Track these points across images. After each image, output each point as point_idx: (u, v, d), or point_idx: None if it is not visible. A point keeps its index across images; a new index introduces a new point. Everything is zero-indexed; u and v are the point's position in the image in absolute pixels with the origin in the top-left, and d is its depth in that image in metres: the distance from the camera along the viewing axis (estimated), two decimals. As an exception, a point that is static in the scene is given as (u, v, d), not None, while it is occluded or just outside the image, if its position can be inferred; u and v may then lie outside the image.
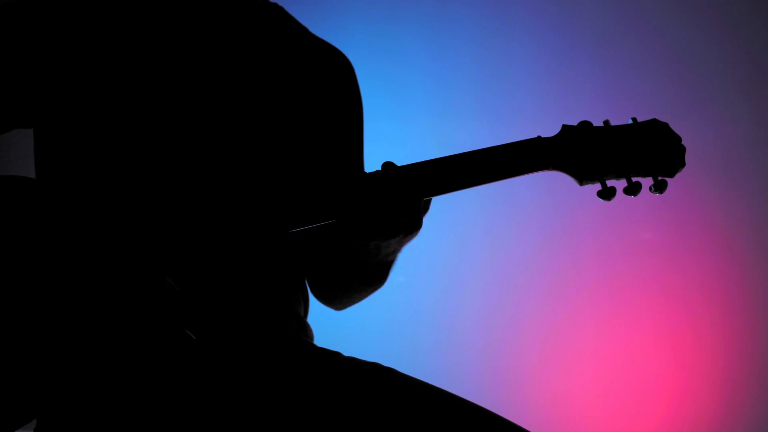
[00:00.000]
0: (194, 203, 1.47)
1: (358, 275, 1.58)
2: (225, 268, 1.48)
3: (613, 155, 1.51)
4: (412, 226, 1.44)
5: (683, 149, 1.53)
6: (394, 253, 1.54)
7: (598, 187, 1.51)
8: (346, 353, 1.57)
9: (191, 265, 1.40)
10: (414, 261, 3.07)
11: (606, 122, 1.53)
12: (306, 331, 1.62)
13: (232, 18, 1.62)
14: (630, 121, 1.54)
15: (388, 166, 1.45)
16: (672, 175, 1.53)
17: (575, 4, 3.20)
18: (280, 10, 1.71)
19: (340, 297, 1.68)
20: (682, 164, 1.53)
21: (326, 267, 1.63)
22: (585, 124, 1.52)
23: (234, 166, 1.53)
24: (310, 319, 1.67)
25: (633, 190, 1.51)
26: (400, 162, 1.48)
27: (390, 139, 2.98)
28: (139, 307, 1.36)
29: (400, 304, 3.08)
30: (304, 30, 1.72)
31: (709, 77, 3.17)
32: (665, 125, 1.53)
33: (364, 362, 1.52)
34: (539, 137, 1.50)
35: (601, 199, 1.51)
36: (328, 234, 1.58)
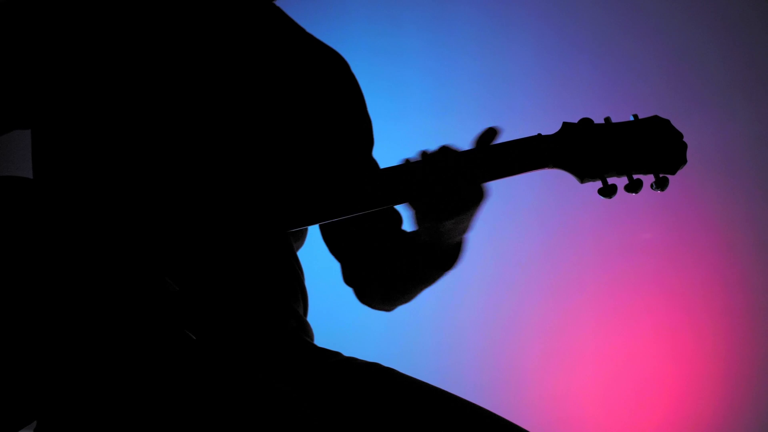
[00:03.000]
0: (192, 203, 1.47)
1: (433, 263, 1.59)
2: (224, 268, 1.48)
3: (614, 152, 1.50)
4: (477, 198, 1.48)
5: (685, 146, 1.52)
6: (464, 231, 1.56)
7: (598, 184, 1.50)
8: (346, 353, 1.57)
9: (191, 265, 1.40)
10: (413, 261, 3.07)
11: (607, 119, 1.52)
12: (306, 331, 1.62)
13: (230, 18, 1.62)
14: (631, 118, 1.53)
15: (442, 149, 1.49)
16: (673, 173, 1.52)
17: (575, 3, 3.20)
18: (277, 10, 1.71)
19: (402, 292, 1.68)
20: (684, 161, 1.52)
21: (390, 262, 1.64)
22: (586, 121, 1.51)
23: (232, 165, 1.53)
24: (310, 319, 1.67)
25: (634, 187, 1.50)
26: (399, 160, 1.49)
27: (390, 139, 2.98)
28: (138, 307, 1.36)
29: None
30: (300, 30, 1.72)
31: (709, 77, 3.17)
32: (667, 122, 1.52)
33: (364, 362, 1.52)
34: (539, 135, 1.50)
35: (601, 197, 1.50)
36: (389, 228, 1.61)
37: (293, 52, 1.65)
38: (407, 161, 1.48)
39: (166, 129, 1.50)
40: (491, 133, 1.50)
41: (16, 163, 2.23)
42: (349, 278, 1.71)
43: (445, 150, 1.48)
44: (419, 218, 1.50)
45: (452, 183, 1.45)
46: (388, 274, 1.65)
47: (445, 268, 1.60)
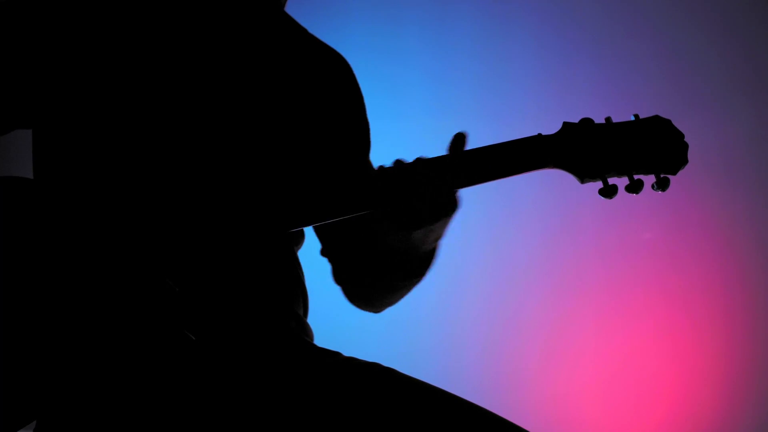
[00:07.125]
0: (193, 204, 1.47)
1: (403, 269, 1.57)
2: (225, 269, 1.48)
3: (615, 152, 1.50)
4: (450, 208, 1.45)
5: (686, 146, 1.51)
6: (437, 239, 1.54)
7: (599, 185, 1.50)
8: (346, 353, 1.56)
9: (191, 266, 1.40)
10: (413, 261, 3.07)
11: (608, 119, 1.52)
12: (306, 331, 1.62)
13: (232, 17, 1.62)
14: (632, 118, 1.53)
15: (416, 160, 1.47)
16: (674, 173, 1.51)
17: (575, 3, 3.20)
18: (280, 10, 1.71)
19: (382, 296, 1.67)
20: (685, 161, 1.52)
21: (369, 265, 1.63)
22: (586, 121, 1.51)
23: (233, 166, 1.53)
24: (310, 319, 1.66)
25: (635, 188, 1.50)
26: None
27: (390, 139, 2.98)
28: (138, 307, 1.36)
29: (400, 304, 3.07)
30: (302, 30, 1.72)
31: (709, 77, 3.17)
32: (668, 122, 1.52)
33: (364, 362, 1.52)
34: (540, 135, 1.50)
35: (602, 197, 1.50)
36: (368, 232, 1.59)
37: (294, 54, 1.65)
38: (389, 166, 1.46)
39: (167, 130, 1.50)
40: (460, 138, 1.50)
41: (17, 164, 2.23)
42: (338, 277, 1.71)
43: (418, 161, 1.46)
44: (391, 229, 1.47)
45: (423, 192, 1.43)
46: (376, 278, 1.64)
47: (417, 275, 1.58)
